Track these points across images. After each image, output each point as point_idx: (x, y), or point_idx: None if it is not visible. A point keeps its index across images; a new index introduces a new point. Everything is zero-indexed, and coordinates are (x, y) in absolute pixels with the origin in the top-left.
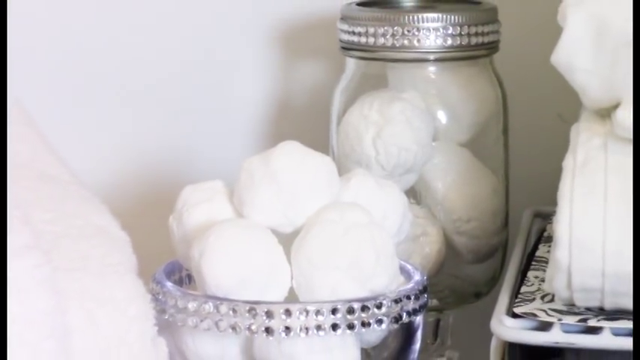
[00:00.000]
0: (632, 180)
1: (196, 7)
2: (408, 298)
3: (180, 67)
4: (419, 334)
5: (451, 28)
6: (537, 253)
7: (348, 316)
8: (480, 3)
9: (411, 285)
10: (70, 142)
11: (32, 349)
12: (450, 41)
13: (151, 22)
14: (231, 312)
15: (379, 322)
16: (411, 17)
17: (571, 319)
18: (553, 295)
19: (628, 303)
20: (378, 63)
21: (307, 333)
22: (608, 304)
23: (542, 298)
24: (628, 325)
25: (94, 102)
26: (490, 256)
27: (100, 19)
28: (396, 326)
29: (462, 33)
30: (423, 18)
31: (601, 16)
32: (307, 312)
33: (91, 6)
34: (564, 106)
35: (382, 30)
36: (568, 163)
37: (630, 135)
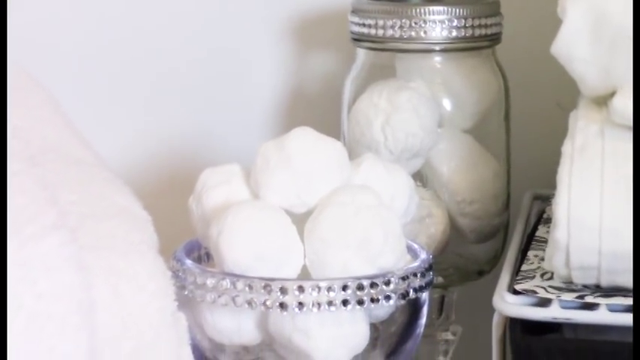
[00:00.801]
0: (627, 164)
1: (215, 1)
2: (415, 275)
3: (199, 60)
4: (425, 310)
5: (456, 20)
6: (537, 234)
7: (358, 293)
8: None
9: (417, 263)
10: (96, 129)
11: (60, 322)
12: (454, 33)
13: (172, 17)
14: (247, 288)
15: (387, 298)
16: (418, 10)
17: (569, 296)
18: (552, 273)
19: (623, 280)
20: (386, 53)
21: (319, 308)
22: (605, 282)
23: (542, 275)
24: (623, 301)
25: (119, 92)
26: (492, 236)
27: (126, 13)
28: (403, 302)
29: (467, 25)
30: (429, 11)
31: (599, 8)
32: (319, 288)
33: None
34: (563, 95)
35: (391, 22)
36: (567, 148)
37: (629, 122)
